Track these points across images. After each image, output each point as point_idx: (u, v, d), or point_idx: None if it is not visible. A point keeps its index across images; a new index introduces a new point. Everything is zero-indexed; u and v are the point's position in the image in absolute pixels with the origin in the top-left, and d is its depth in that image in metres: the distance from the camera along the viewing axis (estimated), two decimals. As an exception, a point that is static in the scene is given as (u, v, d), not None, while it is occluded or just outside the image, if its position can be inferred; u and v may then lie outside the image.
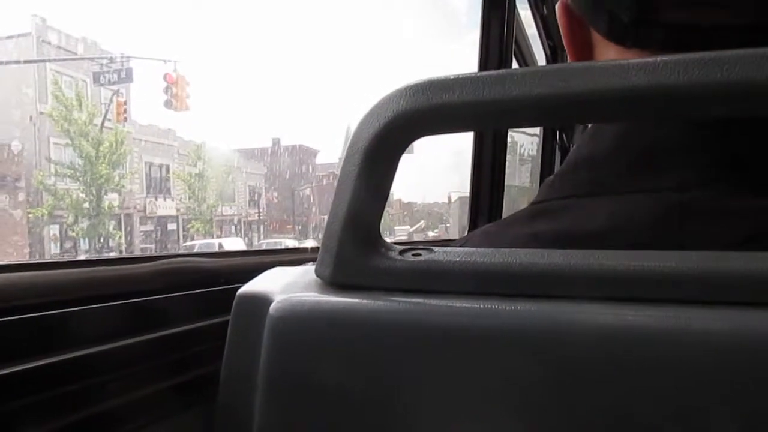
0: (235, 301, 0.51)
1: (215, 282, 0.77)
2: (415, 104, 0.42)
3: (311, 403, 0.46)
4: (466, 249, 0.46)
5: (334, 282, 0.47)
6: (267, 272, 0.54)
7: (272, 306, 0.47)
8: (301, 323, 0.46)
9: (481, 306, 0.42)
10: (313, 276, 0.49)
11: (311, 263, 0.52)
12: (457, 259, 0.44)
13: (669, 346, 0.37)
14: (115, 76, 19.50)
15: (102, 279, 0.66)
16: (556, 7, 0.56)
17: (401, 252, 0.47)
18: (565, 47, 0.56)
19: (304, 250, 1.11)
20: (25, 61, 17.91)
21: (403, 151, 0.45)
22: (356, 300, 0.45)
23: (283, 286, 0.49)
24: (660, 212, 0.46)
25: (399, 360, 0.43)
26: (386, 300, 0.44)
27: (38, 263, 0.62)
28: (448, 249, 0.46)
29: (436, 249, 0.46)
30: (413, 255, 0.46)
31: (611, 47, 0.51)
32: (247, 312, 0.50)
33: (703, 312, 0.37)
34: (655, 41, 0.48)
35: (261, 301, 0.48)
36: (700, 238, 0.43)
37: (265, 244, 27.02)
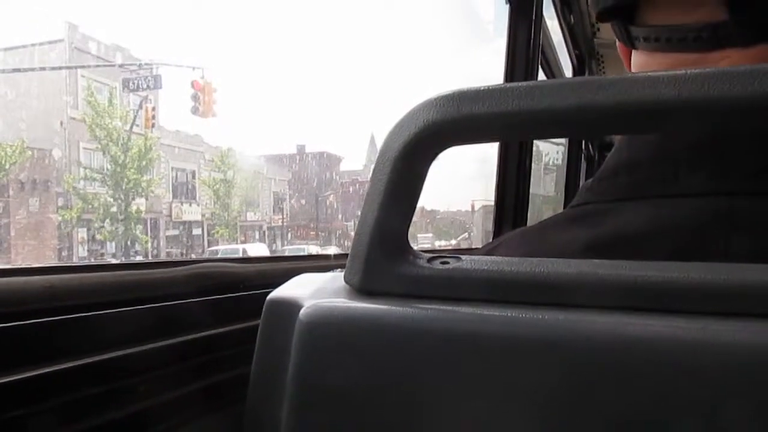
0: (265, 306, 0.52)
1: (243, 287, 0.78)
2: (445, 115, 0.43)
3: (339, 408, 0.47)
4: (493, 258, 0.46)
5: (362, 288, 0.48)
6: (296, 278, 0.55)
7: (302, 311, 0.48)
8: (330, 329, 0.47)
9: (509, 314, 0.42)
10: (342, 282, 0.50)
11: (339, 269, 0.52)
12: (485, 268, 0.45)
13: (699, 357, 0.37)
14: (144, 82, 19.81)
15: (134, 282, 0.67)
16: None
17: (429, 260, 0.47)
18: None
19: (329, 257, 1.12)
20: (58, 68, 18.29)
21: (432, 161, 0.46)
22: (385, 306, 0.46)
23: (312, 292, 0.50)
24: (707, 216, 0.46)
25: (427, 367, 0.44)
26: (415, 307, 0.45)
27: (72, 266, 0.64)
28: (476, 257, 0.46)
29: (463, 257, 0.47)
30: (441, 263, 0.47)
31: (634, 53, 0.57)
32: (276, 317, 0.51)
33: (733, 324, 0.37)
34: (644, 41, 0.54)
35: (290, 307, 0.49)
36: (747, 247, 0.43)
37: (287, 250, 27.17)
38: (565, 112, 0.40)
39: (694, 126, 0.42)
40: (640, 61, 0.56)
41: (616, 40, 0.59)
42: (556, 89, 0.41)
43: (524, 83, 0.42)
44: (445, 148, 0.45)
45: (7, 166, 15.67)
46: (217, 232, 24.34)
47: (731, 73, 0.37)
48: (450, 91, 0.43)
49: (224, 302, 0.75)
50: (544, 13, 2.06)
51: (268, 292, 0.53)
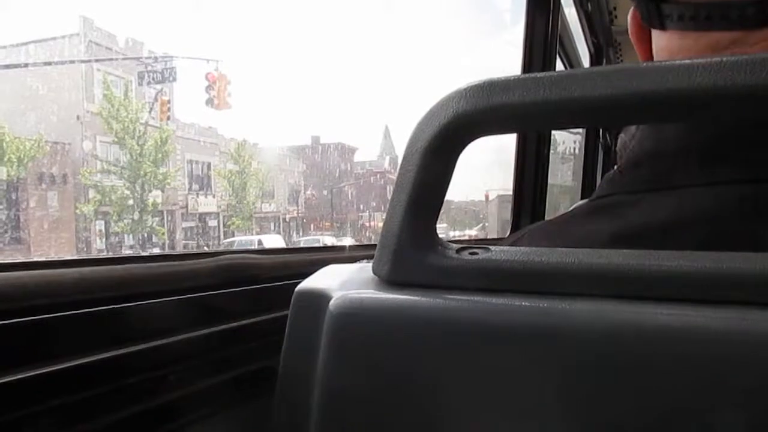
0: (293, 297, 0.52)
1: (268, 278, 0.79)
2: (476, 104, 0.43)
3: (370, 398, 0.47)
4: (522, 248, 0.46)
5: (391, 279, 0.48)
6: (323, 269, 0.55)
7: (331, 302, 0.48)
8: (360, 320, 0.47)
9: (540, 305, 0.42)
10: (370, 273, 0.50)
11: (366, 260, 0.53)
12: (515, 258, 0.45)
13: (733, 346, 0.37)
14: (159, 75, 19.88)
15: (162, 274, 0.68)
16: (630, 13, 0.58)
17: (458, 250, 0.47)
18: (636, 49, 0.59)
19: (351, 247, 1.13)
20: (74, 61, 18.43)
21: (461, 151, 0.46)
22: (415, 297, 0.46)
23: (341, 283, 0.50)
24: (733, 204, 0.45)
25: (457, 356, 0.44)
26: (444, 298, 0.45)
27: (102, 259, 0.65)
28: (505, 248, 0.46)
29: (492, 248, 0.47)
30: (470, 254, 0.47)
31: (657, 34, 0.54)
32: (305, 308, 0.51)
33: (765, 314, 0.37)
34: (678, 20, 0.50)
35: (319, 298, 0.50)
36: None
37: (302, 241, 27.25)
38: (598, 101, 0.40)
39: (730, 114, 0.41)
40: (669, 44, 0.53)
41: (630, 25, 0.57)
42: (588, 78, 0.40)
43: (556, 72, 0.41)
44: (475, 138, 0.45)
45: (25, 161, 15.84)
46: (233, 223, 24.44)
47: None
48: (480, 81, 0.43)
49: (250, 293, 0.75)
50: (562, 1, 2.04)
51: (293, 283, 0.53)
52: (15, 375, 0.50)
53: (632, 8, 0.57)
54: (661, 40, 0.54)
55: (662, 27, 0.53)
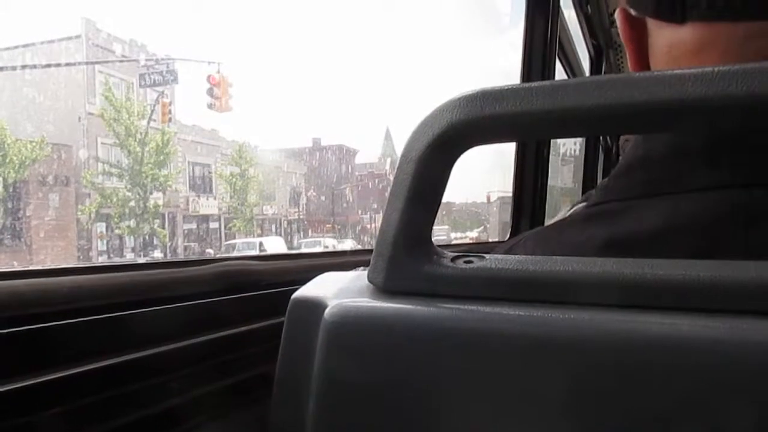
0: (289, 306, 0.52)
1: (267, 285, 0.79)
2: (468, 115, 0.43)
3: (364, 406, 0.47)
4: (517, 257, 0.46)
5: (386, 288, 0.48)
6: (319, 277, 0.56)
7: (327, 311, 0.48)
8: (355, 328, 0.47)
9: (534, 314, 0.42)
10: (365, 281, 0.50)
11: (362, 268, 0.53)
12: (509, 267, 0.45)
13: (725, 356, 0.37)
14: (160, 77, 19.91)
15: (160, 282, 0.68)
16: (616, 13, 0.56)
17: (453, 259, 0.47)
18: (627, 52, 0.56)
19: (350, 252, 1.13)
20: (75, 63, 18.46)
21: (455, 160, 0.46)
22: (410, 306, 0.46)
23: (336, 292, 0.51)
24: (725, 210, 0.45)
25: (451, 365, 0.44)
26: (439, 306, 0.45)
27: (98, 266, 0.65)
28: (499, 256, 0.46)
29: (487, 256, 0.47)
30: (465, 262, 0.47)
31: (665, 30, 0.51)
32: (301, 316, 0.51)
33: (761, 323, 0.37)
34: (708, 8, 0.47)
35: (315, 306, 0.50)
36: (766, 239, 0.42)
37: (303, 243, 27.23)
38: (591, 111, 0.40)
39: (723, 124, 0.42)
40: (689, 38, 0.49)
41: (621, 24, 0.54)
42: (580, 88, 0.40)
43: (548, 82, 0.42)
44: (468, 148, 0.45)
45: (27, 163, 15.87)
46: (234, 225, 24.44)
47: (761, 69, 0.36)
48: (473, 91, 0.43)
49: (248, 300, 0.76)
50: (561, 4, 2.05)
51: (291, 290, 0.53)
52: (13, 384, 0.51)
53: (619, 7, 0.55)
54: (673, 36, 0.50)
55: (682, 19, 0.48)
